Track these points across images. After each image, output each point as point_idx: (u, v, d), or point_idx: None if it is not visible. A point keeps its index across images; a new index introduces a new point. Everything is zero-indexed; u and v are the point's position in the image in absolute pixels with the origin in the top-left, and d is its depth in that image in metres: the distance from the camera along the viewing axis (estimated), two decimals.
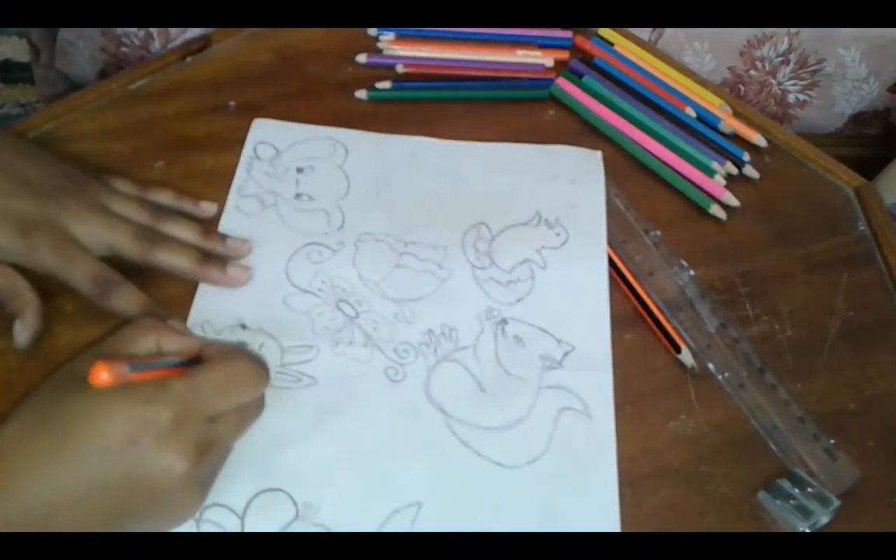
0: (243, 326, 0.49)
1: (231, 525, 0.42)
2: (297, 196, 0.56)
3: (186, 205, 0.54)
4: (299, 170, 0.57)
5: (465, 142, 0.61)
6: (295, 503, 0.43)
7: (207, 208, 0.54)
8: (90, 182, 0.51)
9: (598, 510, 0.44)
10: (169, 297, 0.50)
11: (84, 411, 0.37)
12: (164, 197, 0.53)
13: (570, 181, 0.59)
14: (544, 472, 0.46)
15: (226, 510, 0.42)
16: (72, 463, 0.36)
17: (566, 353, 0.50)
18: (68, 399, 0.37)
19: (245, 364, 0.42)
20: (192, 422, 0.38)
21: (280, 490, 0.43)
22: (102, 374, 0.37)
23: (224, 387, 0.40)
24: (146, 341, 0.42)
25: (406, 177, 0.58)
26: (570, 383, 0.49)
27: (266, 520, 0.42)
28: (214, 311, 0.49)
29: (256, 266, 0.52)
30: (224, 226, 0.54)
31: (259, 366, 0.42)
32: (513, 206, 0.58)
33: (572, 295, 0.53)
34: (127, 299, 0.47)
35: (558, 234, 0.56)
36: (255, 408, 0.43)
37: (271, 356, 0.48)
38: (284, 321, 0.50)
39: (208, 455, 0.39)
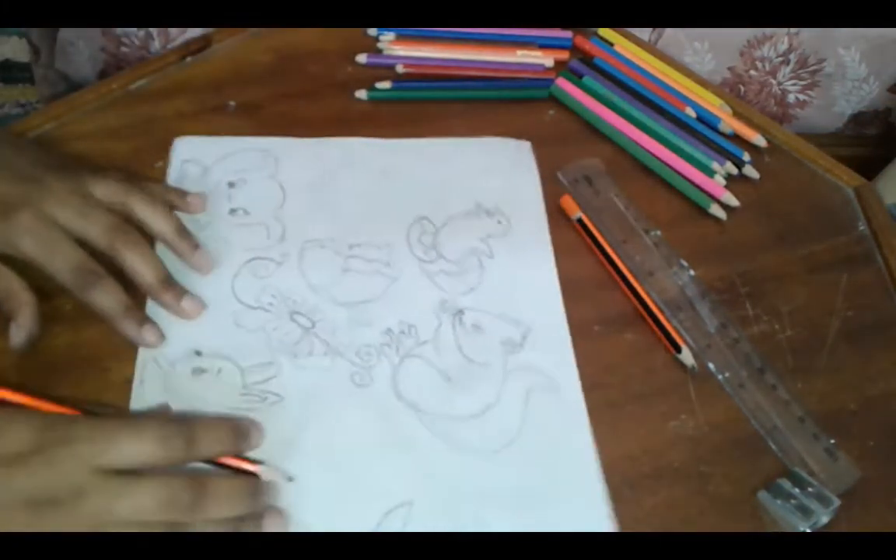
0: (198, 353, 0.47)
1: None
2: (232, 211, 0.55)
3: (173, 195, 0.52)
4: (231, 184, 0.56)
5: (396, 139, 0.61)
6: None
7: (195, 202, 0.53)
8: (78, 170, 0.49)
9: (579, 480, 0.45)
10: None
11: None
12: (151, 186, 0.52)
13: (504, 170, 0.60)
14: (522, 452, 0.46)
15: None
16: None
17: (525, 335, 0.51)
18: None
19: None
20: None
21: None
22: None
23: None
24: None
25: (341, 180, 0.58)
26: (534, 362, 0.50)
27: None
28: (165, 341, 0.48)
29: (201, 289, 0.50)
30: (160, 252, 0.50)
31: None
32: (452, 198, 0.58)
33: (522, 278, 0.54)
34: (108, 295, 0.46)
35: (500, 222, 0.57)
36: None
37: (232, 379, 0.47)
38: (239, 342, 0.48)
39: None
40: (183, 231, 0.50)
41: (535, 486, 0.45)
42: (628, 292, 0.53)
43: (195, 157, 0.57)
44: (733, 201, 0.60)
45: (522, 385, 0.49)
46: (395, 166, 0.59)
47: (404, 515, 0.43)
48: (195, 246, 0.50)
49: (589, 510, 0.45)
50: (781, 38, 0.86)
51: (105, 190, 0.48)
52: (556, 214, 0.58)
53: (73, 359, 0.47)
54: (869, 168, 0.74)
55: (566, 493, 0.45)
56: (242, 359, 0.47)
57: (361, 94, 0.64)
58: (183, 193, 0.53)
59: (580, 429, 0.48)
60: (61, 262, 0.45)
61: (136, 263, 0.47)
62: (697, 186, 0.60)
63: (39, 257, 0.45)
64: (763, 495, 0.45)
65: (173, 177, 0.56)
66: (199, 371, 0.47)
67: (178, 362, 0.47)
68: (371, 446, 0.45)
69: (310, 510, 0.43)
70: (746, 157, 0.63)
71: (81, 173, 0.49)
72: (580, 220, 0.57)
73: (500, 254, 0.55)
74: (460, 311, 0.52)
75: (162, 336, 0.47)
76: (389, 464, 0.45)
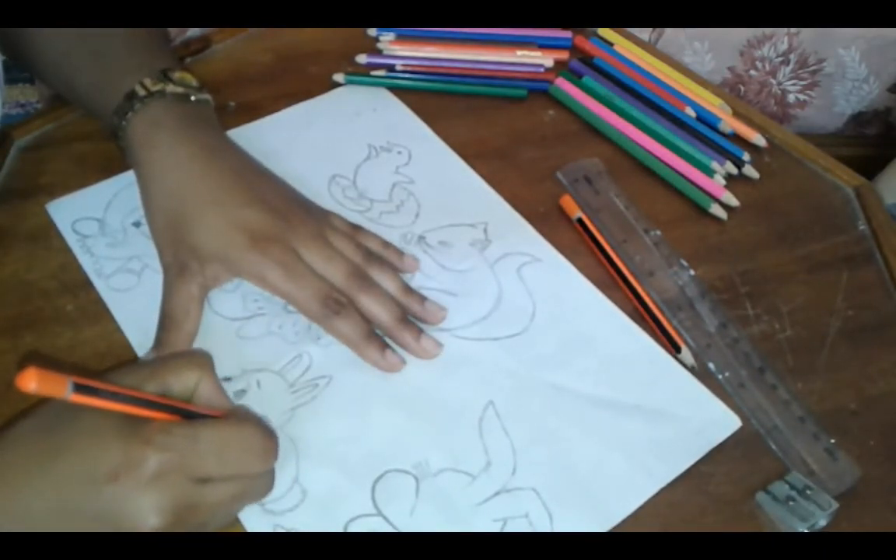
0: (228, 379, 0.46)
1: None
2: None
3: (391, 255, 0.52)
4: (136, 224, 0.53)
5: (240, 126, 0.60)
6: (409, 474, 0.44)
7: (411, 262, 0.53)
8: (315, 210, 0.52)
9: (604, 315, 0.52)
10: None
11: (83, 430, 0.36)
12: (372, 243, 0.52)
13: (373, 110, 0.63)
14: (551, 316, 0.51)
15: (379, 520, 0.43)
16: (58, 478, 0.36)
17: (486, 230, 0.56)
18: (75, 412, 0.37)
19: (253, 433, 0.39)
20: (178, 477, 0.36)
21: (395, 470, 0.44)
22: (31, 384, 0.31)
23: (224, 450, 0.38)
24: (187, 378, 0.40)
25: None
26: (507, 248, 0.55)
27: (396, 503, 0.43)
28: None
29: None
30: (118, 313, 0.49)
31: (268, 440, 0.40)
32: (343, 150, 0.60)
33: (451, 188, 0.58)
34: (352, 324, 0.47)
35: (400, 153, 0.60)
36: (257, 485, 0.41)
37: (274, 384, 0.47)
38: (258, 351, 0.48)
39: (188, 518, 0.37)
40: (407, 290, 0.51)
41: (579, 333, 0.51)
42: (628, 292, 0.53)
43: (81, 215, 0.54)
44: (733, 201, 0.60)
45: (511, 269, 0.54)
46: (271, 147, 0.58)
47: (492, 415, 0.46)
48: (422, 298, 0.51)
49: (624, 333, 0.51)
50: (781, 38, 0.86)
51: (343, 246, 0.50)
52: (555, 214, 0.58)
53: (74, 358, 0.47)
54: (869, 168, 0.74)
55: (603, 331, 0.51)
56: (272, 364, 0.48)
57: (339, 77, 0.64)
58: (400, 254, 0.53)
59: (577, 281, 0.53)
60: (309, 293, 0.47)
61: (373, 306, 0.48)
62: (697, 186, 0.60)
63: (285, 288, 0.47)
64: (761, 497, 0.45)
65: (75, 244, 0.52)
66: (240, 393, 0.46)
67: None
68: (433, 374, 0.48)
69: (416, 451, 0.45)
70: (746, 156, 0.63)
71: (317, 216, 0.51)
72: (580, 220, 0.57)
73: (419, 176, 0.59)
74: (421, 237, 0.55)
75: (403, 361, 0.48)
76: (456, 381, 0.48)
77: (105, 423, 0.36)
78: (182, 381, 0.40)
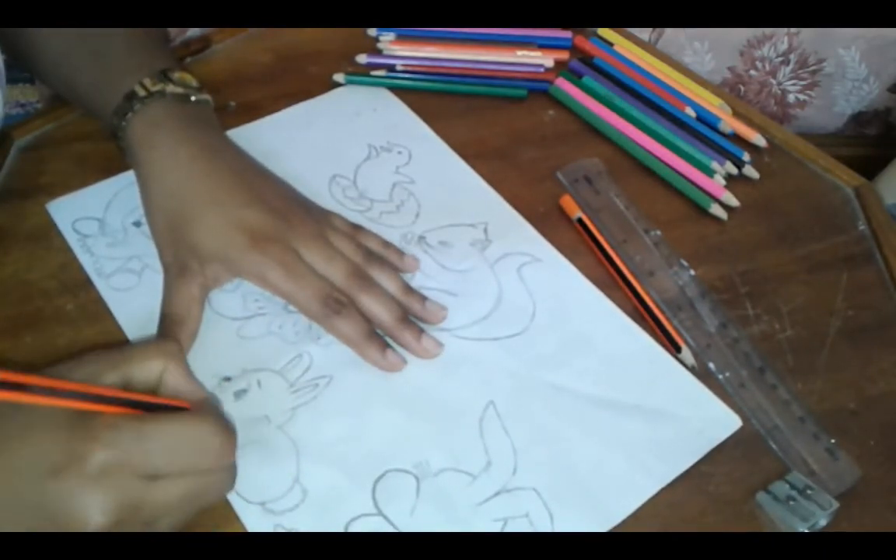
0: (227, 378, 0.46)
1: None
2: None
3: (392, 255, 0.52)
4: (136, 224, 0.53)
5: (240, 127, 0.60)
6: (409, 473, 0.44)
7: (411, 262, 0.53)
8: (315, 210, 0.52)
9: (604, 314, 0.52)
10: None
11: (35, 422, 0.35)
12: (372, 243, 0.52)
13: (373, 110, 0.63)
14: (551, 315, 0.51)
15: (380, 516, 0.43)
16: (4, 470, 0.35)
17: (486, 229, 0.56)
18: (20, 406, 0.35)
19: (208, 429, 0.37)
20: (123, 474, 0.35)
21: (396, 470, 0.44)
22: None
23: (174, 445, 0.36)
24: (151, 367, 0.39)
25: None
26: (509, 247, 0.55)
27: (397, 503, 0.43)
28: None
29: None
30: (118, 313, 0.49)
31: (224, 436, 0.38)
32: (343, 150, 0.60)
33: (451, 188, 0.58)
34: (352, 324, 0.47)
35: (400, 153, 0.60)
36: (212, 482, 0.39)
37: (275, 383, 0.47)
38: (258, 351, 0.48)
39: (134, 516, 0.35)
40: (408, 289, 0.51)
41: (579, 332, 0.51)
42: (628, 292, 0.53)
43: (81, 214, 0.53)
44: (733, 201, 0.60)
45: (512, 269, 0.54)
46: (271, 147, 0.57)
47: (492, 415, 0.46)
48: (423, 298, 0.51)
49: (624, 333, 0.51)
50: (781, 38, 0.86)
51: (344, 246, 0.50)
52: (556, 214, 0.58)
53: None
54: (869, 168, 0.75)
55: (603, 331, 0.51)
56: (273, 364, 0.48)
57: (339, 77, 0.64)
58: (401, 254, 0.53)
59: (577, 281, 0.53)
60: (310, 293, 0.47)
61: (373, 306, 0.48)
62: (697, 186, 0.60)
63: (286, 288, 0.47)
64: (762, 497, 0.45)
65: (75, 243, 0.52)
66: (240, 393, 0.46)
67: (213, 393, 0.46)
68: (433, 374, 0.48)
69: (414, 453, 0.45)
70: (746, 156, 0.63)
71: (317, 216, 0.51)
72: (580, 220, 0.57)
73: (419, 176, 0.59)
74: (421, 237, 0.55)
75: (404, 360, 0.48)
76: (456, 381, 0.48)
77: (58, 417, 0.35)
78: (145, 371, 0.39)
